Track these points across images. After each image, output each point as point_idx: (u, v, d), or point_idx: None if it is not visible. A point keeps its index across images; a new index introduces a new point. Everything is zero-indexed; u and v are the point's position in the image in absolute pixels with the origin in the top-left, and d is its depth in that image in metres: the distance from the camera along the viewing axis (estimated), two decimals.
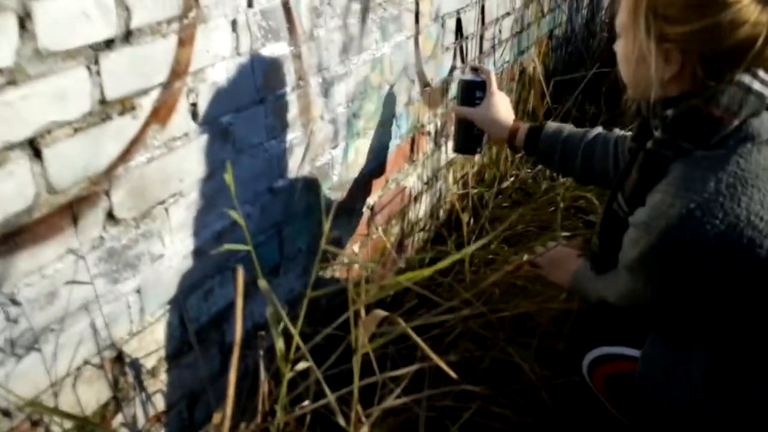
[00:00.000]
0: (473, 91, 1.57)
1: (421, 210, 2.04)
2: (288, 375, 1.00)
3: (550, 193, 2.23)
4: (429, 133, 1.98)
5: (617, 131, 1.52)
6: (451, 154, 2.15)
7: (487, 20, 2.15)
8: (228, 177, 0.99)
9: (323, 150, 1.51)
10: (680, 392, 1.16)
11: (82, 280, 1.01)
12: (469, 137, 1.61)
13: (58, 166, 0.93)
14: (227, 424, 1.14)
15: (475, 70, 1.59)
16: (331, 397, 0.99)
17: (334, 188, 1.59)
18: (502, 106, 1.56)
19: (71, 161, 0.95)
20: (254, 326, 1.42)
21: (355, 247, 1.76)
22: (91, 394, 1.08)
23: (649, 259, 1.12)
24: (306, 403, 1.14)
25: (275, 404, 1.13)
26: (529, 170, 2.44)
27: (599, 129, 1.55)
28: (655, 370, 1.20)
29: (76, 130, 0.94)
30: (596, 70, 2.48)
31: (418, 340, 1.03)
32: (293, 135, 1.40)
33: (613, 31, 1.22)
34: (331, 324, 1.06)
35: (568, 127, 1.56)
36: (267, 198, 1.37)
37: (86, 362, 1.06)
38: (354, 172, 1.65)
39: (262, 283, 1.00)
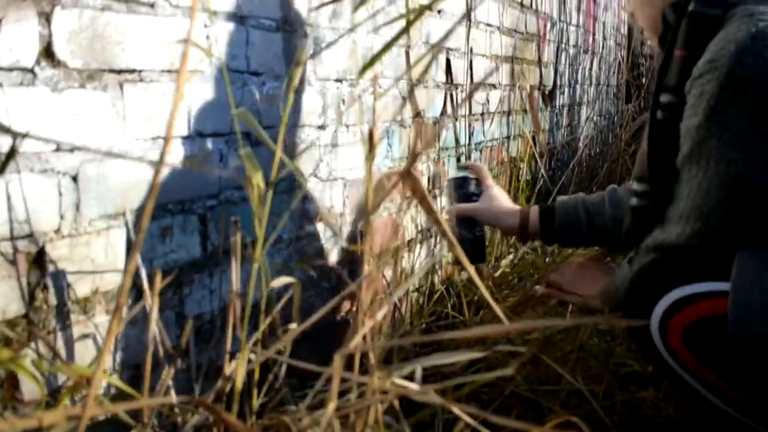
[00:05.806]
0: (467, 188, 1.44)
1: (416, 262, 1.79)
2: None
3: (557, 259, 2.00)
4: (422, 174, 1.80)
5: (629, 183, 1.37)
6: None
7: (475, 77, 2.07)
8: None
9: (310, 123, 1.31)
10: None
11: None
12: (476, 241, 1.42)
13: None
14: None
15: (464, 168, 1.49)
16: None
17: (322, 179, 1.36)
18: (504, 197, 1.43)
19: None
20: (221, 309, 1.12)
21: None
22: None
23: (721, 104, 0.92)
24: (293, 325, 0.83)
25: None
26: (528, 251, 2.22)
27: (611, 186, 1.42)
28: (752, 301, 0.92)
29: None
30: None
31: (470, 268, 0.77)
32: (276, 83, 1.21)
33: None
34: None
35: (579, 194, 1.43)
36: (245, 144, 1.14)
37: None
38: (341, 173, 1.43)
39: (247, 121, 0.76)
